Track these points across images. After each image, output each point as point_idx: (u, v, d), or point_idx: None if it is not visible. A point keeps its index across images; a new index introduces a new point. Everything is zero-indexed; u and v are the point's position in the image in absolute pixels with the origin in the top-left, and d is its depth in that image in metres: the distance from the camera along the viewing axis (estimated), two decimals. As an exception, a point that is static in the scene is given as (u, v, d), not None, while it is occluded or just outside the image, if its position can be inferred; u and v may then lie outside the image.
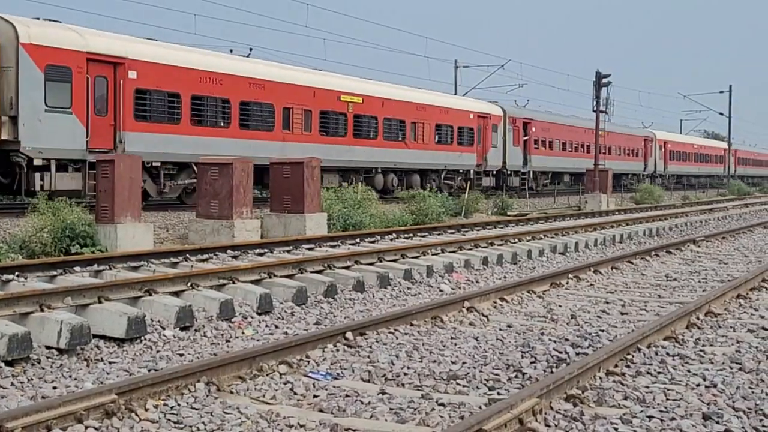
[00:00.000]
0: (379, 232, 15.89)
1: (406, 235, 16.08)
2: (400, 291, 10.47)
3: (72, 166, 17.04)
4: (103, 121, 17.64)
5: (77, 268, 10.02)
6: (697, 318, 8.19)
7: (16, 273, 9.33)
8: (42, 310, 7.16)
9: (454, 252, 13.40)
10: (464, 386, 5.81)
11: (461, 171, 31.80)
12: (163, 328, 7.57)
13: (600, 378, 5.84)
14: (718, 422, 4.90)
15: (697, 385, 5.76)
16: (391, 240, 15.28)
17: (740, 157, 76.43)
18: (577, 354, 6.68)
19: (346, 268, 11.01)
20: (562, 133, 40.46)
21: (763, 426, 4.91)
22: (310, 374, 6.08)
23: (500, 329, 7.99)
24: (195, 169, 17.02)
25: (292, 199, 15.65)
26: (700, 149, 64.74)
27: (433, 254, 12.94)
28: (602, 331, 7.74)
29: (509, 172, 35.21)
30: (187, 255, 11.56)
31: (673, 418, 4.97)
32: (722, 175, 66.88)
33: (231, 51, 23.78)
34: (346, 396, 5.54)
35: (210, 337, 7.58)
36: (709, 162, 66.16)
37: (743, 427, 4.85)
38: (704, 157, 65.06)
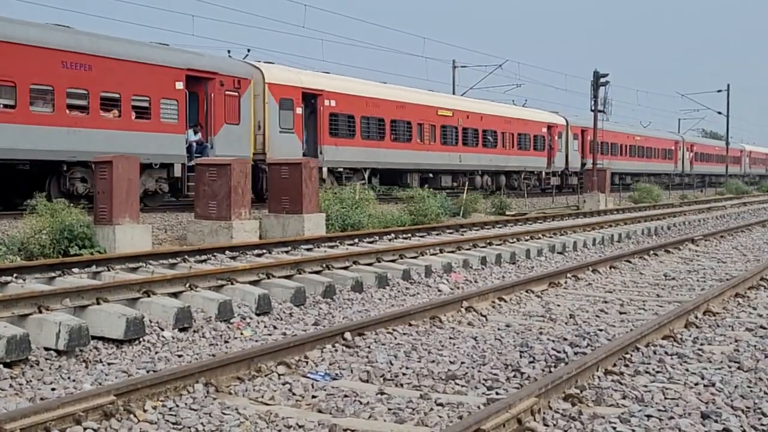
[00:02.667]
0: (378, 233, 15.89)
1: (404, 236, 16.08)
2: (399, 291, 10.47)
3: None
4: None
5: (76, 270, 10.02)
6: (696, 317, 8.19)
7: (15, 274, 9.33)
8: (40, 312, 7.15)
9: (452, 252, 13.41)
10: (463, 386, 5.81)
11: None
12: (162, 329, 7.56)
13: (598, 377, 5.84)
14: (716, 421, 4.90)
15: (696, 384, 5.76)
16: (390, 240, 15.28)
17: (605, 143, 42.31)
18: (576, 353, 6.68)
19: (345, 268, 11.00)
20: None
21: (762, 425, 4.91)
22: (308, 375, 6.08)
23: (499, 329, 8.00)
24: None
25: (291, 199, 15.64)
26: (485, 122, 32.94)
27: (431, 254, 12.94)
28: (600, 330, 7.74)
29: None
30: (186, 256, 11.56)
31: (672, 417, 4.96)
32: (544, 170, 38.25)
33: (229, 52, 23.76)
34: (345, 396, 5.54)
35: (208, 338, 7.57)
36: (518, 148, 35.53)
37: (742, 426, 4.85)
38: (505, 138, 34.27)
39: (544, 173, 38.84)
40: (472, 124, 31.93)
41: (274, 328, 8.08)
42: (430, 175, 29.82)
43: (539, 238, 16.28)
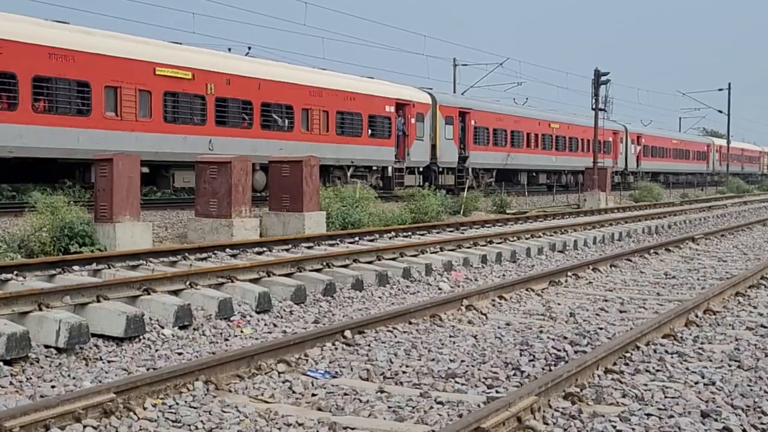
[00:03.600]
0: (378, 231, 15.89)
1: (404, 234, 16.08)
2: (399, 289, 10.47)
3: None
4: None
5: (76, 267, 10.02)
6: (696, 316, 8.19)
7: (15, 272, 9.32)
8: (41, 309, 7.15)
9: (452, 250, 13.40)
10: (463, 384, 5.81)
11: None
12: (162, 327, 7.56)
13: (598, 376, 5.84)
14: (716, 420, 4.90)
15: (696, 383, 5.76)
16: (390, 238, 15.28)
17: (501, 129, 34.51)
18: (576, 352, 6.68)
19: (345, 266, 11.00)
20: None
21: (762, 423, 4.91)
22: (308, 373, 6.08)
23: (499, 327, 7.99)
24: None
25: (291, 197, 15.66)
26: (267, 92, 22.12)
27: (431, 252, 12.93)
28: (601, 329, 7.74)
29: None
30: (186, 254, 11.55)
31: (672, 416, 4.96)
32: (392, 165, 27.89)
33: (229, 50, 23.76)
34: (345, 394, 5.54)
35: (209, 336, 7.58)
36: (339, 134, 24.92)
37: (742, 425, 4.85)
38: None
39: (392, 169, 27.84)
40: (238, 94, 21.26)
41: (274, 326, 8.08)
42: (146, 169, 17.84)
43: (540, 237, 16.28)
